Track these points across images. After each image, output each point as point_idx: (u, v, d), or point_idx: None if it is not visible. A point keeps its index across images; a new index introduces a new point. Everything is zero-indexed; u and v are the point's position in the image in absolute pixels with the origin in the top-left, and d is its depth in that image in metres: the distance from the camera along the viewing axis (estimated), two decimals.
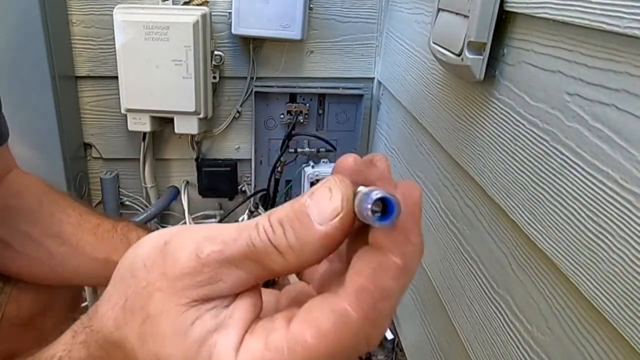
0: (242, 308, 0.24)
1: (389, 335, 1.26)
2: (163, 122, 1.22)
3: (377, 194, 0.22)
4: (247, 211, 1.34)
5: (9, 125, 0.55)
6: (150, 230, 0.52)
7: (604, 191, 0.43)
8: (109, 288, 0.27)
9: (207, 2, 1.16)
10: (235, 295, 0.24)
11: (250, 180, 1.34)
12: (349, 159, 0.26)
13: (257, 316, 0.24)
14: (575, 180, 0.47)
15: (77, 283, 0.62)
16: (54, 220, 0.55)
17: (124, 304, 0.25)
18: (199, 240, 0.23)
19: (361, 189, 0.23)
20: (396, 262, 0.22)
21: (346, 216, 0.22)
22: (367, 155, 0.26)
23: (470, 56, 0.61)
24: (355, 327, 0.22)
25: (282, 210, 0.23)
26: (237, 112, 1.28)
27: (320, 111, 1.29)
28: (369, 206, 0.22)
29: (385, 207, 0.22)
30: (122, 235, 0.58)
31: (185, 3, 1.15)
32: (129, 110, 1.15)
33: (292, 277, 0.37)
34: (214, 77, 1.20)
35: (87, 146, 1.28)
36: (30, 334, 0.54)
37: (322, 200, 0.23)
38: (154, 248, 0.25)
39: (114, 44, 1.10)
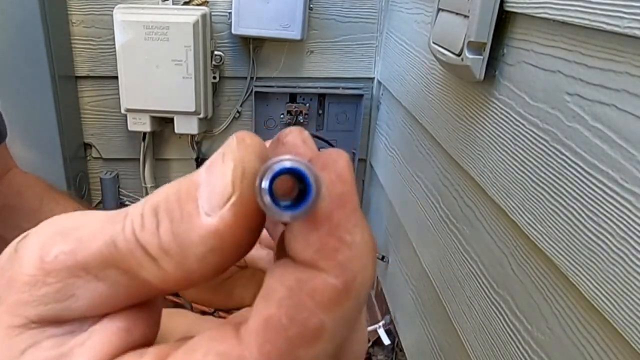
0: (101, 334, 0.16)
1: (386, 340, 1.26)
2: (163, 122, 1.22)
3: (281, 165, 0.13)
4: None
5: (9, 125, 0.56)
6: None
7: (604, 191, 0.43)
8: None
9: (207, 2, 1.16)
10: (101, 318, 0.16)
11: None
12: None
13: (131, 346, 0.16)
14: (575, 180, 0.47)
15: None
16: None
17: None
18: (50, 234, 0.16)
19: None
20: (328, 281, 0.13)
21: (241, 200, 0.14)
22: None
23: (470, 56, 0.61)
24: None
25: (163, 191, 0.15)
26: (237, 112, 1.28)
27: (320, 111, 1.29)
28: (266, 184, 0.13)
29: (301, 191, 0.14)
30: None
31: (185, 3, 1.15)
32: (129, 110, 1.15)
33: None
34: (214, 77, 1.20)
35: (87, 146, 1.28)
36: None
37: (215, 175, 0.15)
38: (11, 246, 0.17)
39: (114, 44, 1.10)
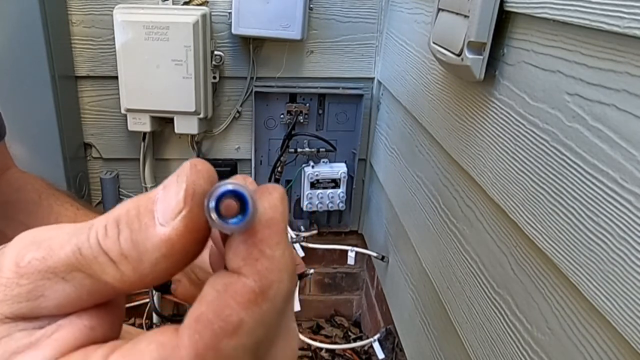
0: (67, 328, 0.18)
1: (380, 354, 1.26)
2: (163, 122, 1.22)
3: (225, 188, 0.17)
4: None
5: (9, 125, 0.56)
6: None
7: (604, 191, 0.43)
8: None
9: (207, 2, 1.16)
10: (67, 315, 0.19)
11: None
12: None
13: (94, 341, 0.19)
14: (575, 180, 0.47)
15: None
16: (51, 212, 0.55)
17: None
18: (25, 243, 0.19)
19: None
20: (247, 283, 0.17)
21: (191, 214, 0.17)
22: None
23: (470, 56, 0.61)
24: None
25: (124, 206, 0.18)
26: (237, 112, 1.28)
27: (320, 111, 1.29)
28: (213, 203, 0.17)
29: (240, 210, 0.17)
30: None
31: (185, 3, 1.15)
32: (129, 110, 1.15)
33: None
34: (214, 77, 1.20)
35: (87, 146, 1.28)
36: None
37: (170, 193, 0.18)
38: None
39: (114, 44, 1.10)
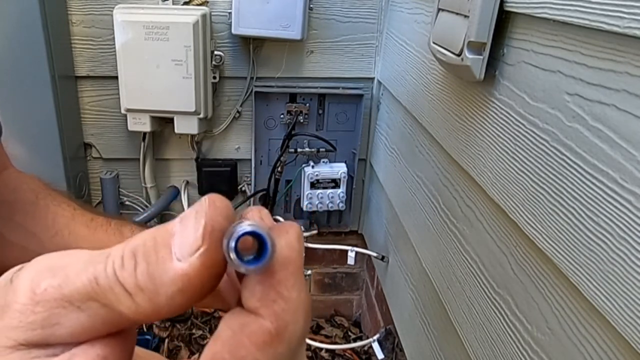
0: (81, 358, 0.18)
1: (380, 354, 1.26)
2: (163, 122, 1.22)
3: (244, 228, 0.17)
4: None
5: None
6: None
7: (604, 191, 0.43)
8: None
9: (207, 2, 1.16)
10: (80, 343, 0.19)
11: (250, 180, 1.34)
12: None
13: None
14: (575, 180, 0.47)
15: None
16: (48, 212, 0.55)
17: None
18: (40, 269, 0.19)
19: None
20: (263, 325, 0.17)
21: (208, 252, 0.17)
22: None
23: (470, 56, 0.61)
24: None
25: (141, 237, 0.18)
26: (237, 112, 1.28)
27: (320, 111, 1.29)
28: (233, 243, 0.17)
29: (258, 248, 0.18)
30: (116, 229, 0.58)
31: (185, 3, 1.15)
32: (129, 110, 1.15)
33: None
34: (214, 77, 1.20)
35: (87, 146, 1.28)
36: None
37: (188, 228, 0.18)
38: (6, 276, 0.20)
39: (114, 44, 1.10)
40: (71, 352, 0.18)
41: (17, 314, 0.18)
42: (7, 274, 0.20)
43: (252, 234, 0.17)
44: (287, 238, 0.18)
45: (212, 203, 0.18)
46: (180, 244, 0.17)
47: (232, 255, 0.17)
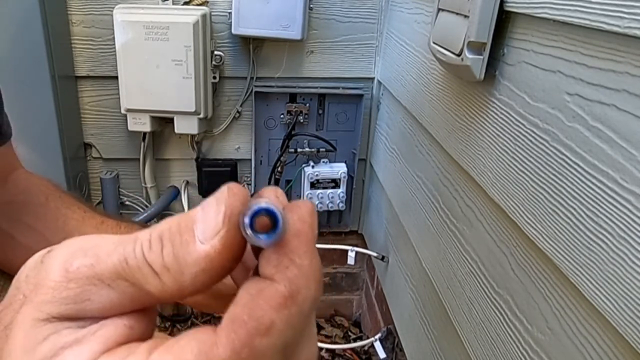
0: (110, 326, 0.20)
1: (382, 353, 1.26)
2: (163, 122, 1.22)
3: (258, 206, 0.19)
4: None
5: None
6: None
7: (604, 191, 0.43)
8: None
9: (207, 2, 1.16)
10: (108, 317, 0.21)
11: (250, 180, 1.34)
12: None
13: (133, 340, 0.21)
14: (575, 180, 0.47)
15: None
16: (58, 214, 0.55)
17: None
18: (73, 250, 0.21)
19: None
20: (278, 289, 0.19)
21: (228, 234, 0.19)
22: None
23: (470, 56, 0.61)
24: None
25: (167, 223, 0.20)
26: (237, 112, 1.28)
27: (320, 111, 1.29)
28: (248, 220, 0.19)
29: (272, 225, 0.19)
30: (126, 233, 0.58)
31: (185, 3, 1.15)
32: (129, 110, 1.15)
33: None
34: (214, 77, 1.20)
35: (87, 146, 1.28)
36: None
37: (209, 214, 0.20)
38: (36, 258, 0.22)
39: (114, 44, 1.10)
40: (100, 323, 0.20)
41: (50, 290, 0.20)
42: (37, 256, 0.22)
43: (266, 210, 0.19)
44: (299, 212, 0.20)
45: (231, 191, 0.20)
46: (202, 228, 0.19)
47: (248, 231, 0.19)
